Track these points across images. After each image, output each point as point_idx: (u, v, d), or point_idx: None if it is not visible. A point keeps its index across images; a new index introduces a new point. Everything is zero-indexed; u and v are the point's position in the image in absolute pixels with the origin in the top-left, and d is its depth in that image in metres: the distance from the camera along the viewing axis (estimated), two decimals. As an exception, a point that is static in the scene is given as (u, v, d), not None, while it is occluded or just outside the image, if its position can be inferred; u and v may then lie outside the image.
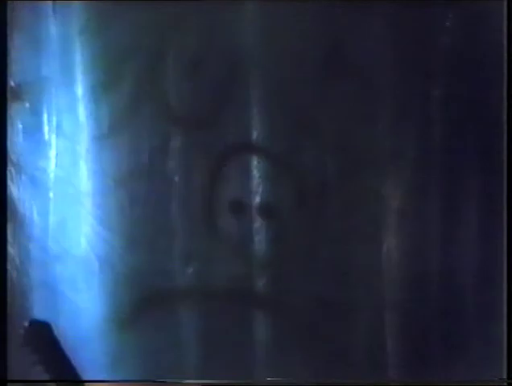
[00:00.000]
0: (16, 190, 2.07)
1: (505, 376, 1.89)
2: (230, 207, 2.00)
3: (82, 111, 2.02)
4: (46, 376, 1.71)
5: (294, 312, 1.99)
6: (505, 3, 1.92)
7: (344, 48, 1.96)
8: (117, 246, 2.02)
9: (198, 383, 1.95)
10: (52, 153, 2.05)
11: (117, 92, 2.00)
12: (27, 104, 2.05)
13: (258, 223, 1.99)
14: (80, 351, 1.87)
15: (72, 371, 1.74)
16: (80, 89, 2.02)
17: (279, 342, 2.00)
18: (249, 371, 1.99)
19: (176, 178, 2.00)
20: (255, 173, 1.99)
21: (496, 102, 1.93)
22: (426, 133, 1.98)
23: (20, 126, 2.05)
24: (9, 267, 2.06)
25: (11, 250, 2.06)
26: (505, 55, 1.91)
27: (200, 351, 2.02)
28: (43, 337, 1.73)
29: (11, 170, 2.06)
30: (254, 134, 1.98)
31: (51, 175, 2.06)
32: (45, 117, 2.05)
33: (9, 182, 2.06)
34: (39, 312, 2.02)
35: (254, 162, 1.99)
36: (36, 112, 2.05)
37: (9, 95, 2.03)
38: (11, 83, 2.04)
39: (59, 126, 2.04)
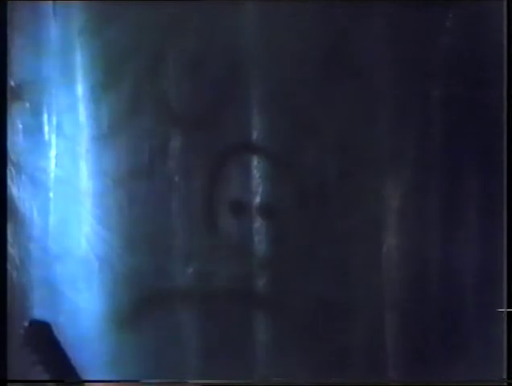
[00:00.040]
0: (16, 190, 2.07)
1: (505, 376, 1.89)
2: (230, 207, 2.00)
3: (82, 111, 2.02)
4: (46, 376, 1.71)
5: (294, 312, 1.99)
6: (505, 3, 1.92)
7: (344, 48, 1.96)
8: (117, 246, 2.02)
9: (198, 383, 1.95)
10: (52, 153, 2.05)
11: (117, 92, 2.00)
12: (27, 104, 2.05)
13: (257, 223, 1.99)
14: (80, 351, 1.87)
15: (72, 371, 1.74)
16: (80, 89, 2.02)
17: (279, 342, 2.00)
18: (249, 371, 1.99)
19: (176, 178, 2.00)
20: (255, 173, 1.99)
21: (496, 102, 1.93)
22: (426, 133, 1.98)
23: (20, 126, 2.05)
24: (9, 267, 2.06)
25: (11, 250, 2.06)
26: (505, 55, 1.91)
27: (200, 350, 2.02)
28: (43, 337, 1.73)
29: (11, 170, 2.06)
30: (254, 134, 1.98)
31: (51, 175, 2.06)
32: (45, 117, 2.05)
33: (9, 182, 2.06)
34: (39, 312, 2.02)
35: (254, 162, 1.99)
36: (36, 112, 2.05)
37: (9, 95, 2.03)
38: (11, 83, 2.04)
39: (59, 126, 2.04)
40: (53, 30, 2.02)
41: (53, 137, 2.05)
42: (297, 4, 1.94)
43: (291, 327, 2.00)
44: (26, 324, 1.74)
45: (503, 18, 1.92)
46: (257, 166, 1.99)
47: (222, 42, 1.97)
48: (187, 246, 2.01)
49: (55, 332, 1.75)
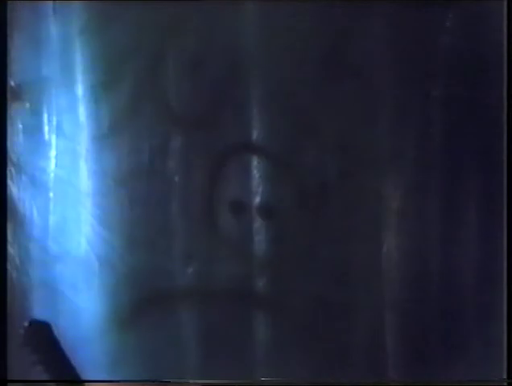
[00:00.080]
0: (16, 190, 2.07)
1: (505, 376, 1.89)
2: (230, 208, 2.00)
3: (82, 111, 2.02)
4: (46, 376, 1.71)
5: (294, 312, 1.99)
6: (505, 3, 1.92)
7: (344, 48, 1.96)
8: (117, 246, 2.02)
9: (198, 383, 1.95)
10: (52, 153, 2.05)
11: (117, 92, 2.00)
12: (27, 104, 2.05)
13: (258, 223, 1.99)
14: (80, 351, 1.87)
15: (72, 371, 1.74)
16: (80, 89, 2.02)
17: (279, 342, 2.00)
18: (249, 371, 1.99)
19: (176, 178, 2.00)
20: (255, 173, 1.99)
21: (496, 102, 1.93)
22: (426, 133, 1.98)
23: (20, 126, 2.05)
24: (9, 267, 2.06)
25: (11, 250, 2.06)
26: (505, 55, 1.91)
27: (200, 351, 2.02)
28: (43, 337, 1.73)
29: (11, 170, 2.06)
30: (254, 134, 1.98)
31: (51, 175, 2.06)
32: (45, 117, 2.05)
33: (9, 182, 2.06)
34: (38, 312, 2.02)
35: (254, 162, 1.99)
36: (36, 112, 2.05)
37: (9, 95, 2.03)
38: (11, 83, 2.04)
39: (59, 126, 2.04)
40: (53, 30, 2.02)
41: (53, 137, 2.05)
42: (297, 4, 1.94)
43: (291, 327, 2.00)
44: (26, 324, 1.74)
45: (503, 18, 1.92)
46: (257, 166, 1.99)
47: (222, 42, 1.97)
48: (187, 246, 2.01)
49: (56, 332, 1.75)
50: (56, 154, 2.05)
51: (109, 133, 2.01)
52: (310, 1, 1.94)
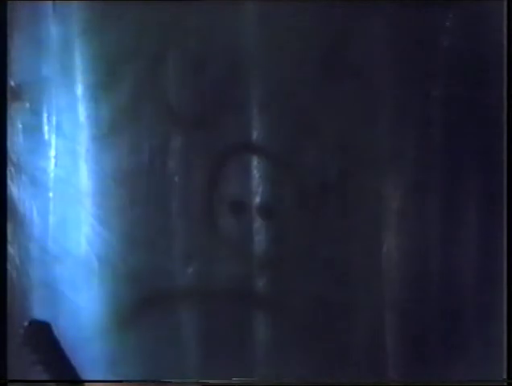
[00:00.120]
0: (16, 190, 2.06)
1: (505, 376, 1.89)
2: (230, 208, 2.00)
3: (82, 111, 2.02)
4: (46, 376, 1.71)
5: (294, 312, 1.99)
6: (505, 3, 1.92)
7: (344, 48, 1.96)
8: (117, 246, 2.02)
9: (198, 383, 1.95)
10: (52, 153, 2.05)
11: (117, 91, 2.00)
12: (27, 104, 2.05)
13: (258, 223, 1.99)
14: (79, 351, 1.87)
15: (71, 371, 1.74)
16: (80, 89, 2.02)
17: (279, 342, 2.00)
18: (249, 371, 1.99)
19: (176, 178, 2.00)
20: (255, 173, 1.99)
21: (496, 102, 1.93)
22: (426, 133, 1.98)
23: (20, 126, 2.05)
24: (9, 267, 2.06)
25: (11, 250, 2.06)
26: (505, 55, 1.91)
27: (200, 350, 2.02)
28: (43, 337, 1.73)
29: (11, 170, 2.06)
30: (254, 134, 1.98)
31: (51, 175, 2.06)
32: (45, 117, 2.05)
33: (9, 182, 2.06)
34: (38, 312, 2.02)
35: (254, 162, 1.99)
36: (36, 112, 2.05)
37: (9, 95, 2.03)
38: (11, 83, 2.04)
39: (59, 126, 2.04)
40: (53, 30, 2.02)
41: (53, 137, 2.05)
42: (297, 4, 1.94)
43: (291, 327, 2.00)
44: (26, 324, 1.74)
45: (503, 18, 1.92)
46: (257, 166, 1.99)
47: (222, 42, 1.97)
48: (187, 246, 2.01)
49: (55, 332, 1.75)
50: (56, 154, 2.05)
51: (109, 133, 2.01)
52: (310, 1, 1.94)
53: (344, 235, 1.98)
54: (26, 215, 2.07)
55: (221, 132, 1.99)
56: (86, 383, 1.79)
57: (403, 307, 1.98)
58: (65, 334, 1.80)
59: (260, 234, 1.99)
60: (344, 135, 1.97)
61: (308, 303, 1.99)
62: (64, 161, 2.05)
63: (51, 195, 2.06)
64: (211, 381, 1.92)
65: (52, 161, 2.05)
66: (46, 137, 2.05)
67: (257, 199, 1.99)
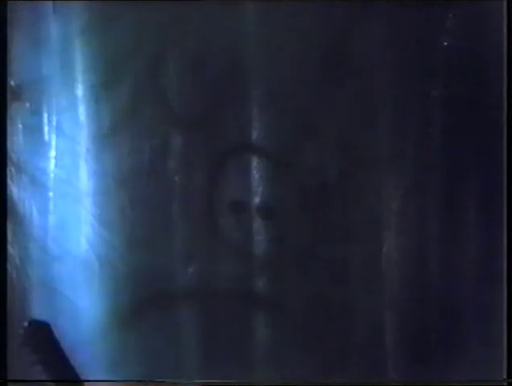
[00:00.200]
0: (16, 190, 2.07)
1: (505, 376, 1.89)
2: (230, 208, 2.00)
3: (82, 111, 2.02)
4: (46, 376, 1.71)
5: (294, 312, 1.99)
6: (505, 3, 1.92)
7: (344, 48, 1.96)
8: (118, 246, 2.02)
9: (198, 383, 1.95)
10: (52, 153, 2.05)
11: (117, 91, 2.00)
12: (27, 104, 2.05)
13: (257, 223, 1.99)
14: (79, 351, 1.87)
15: (71, 371, 1.75)
16: (80, 89, 2.02)
17: (279, 342, 2.00)
18: (249, 371, 1.99)
19: (176, 178, 2.00)
20: (255, 173, 1.99)
21: (496, 102, 1.93)
22: (426, 133, 1.98)
23: (20, 126, 2.05)
24: (9, 267, 2.06)
25: (11, 250, 2.06)
26: (505, 55, 1.91)
27: (200, 351, 2.02)
28: (43, 337, 1.73)
29: (11, 170, 2.06)
30: (254, 134, 1.98)
31: (51, 175, 2.06)
32: (45, 116, 2.05)
33: (9, 182, 2.06)
34: (38, 312, 2.02)
35: (254, 162, 1.99)
36: (36, 112, 2.05)
37: (9, 95, 2.03)
38: (11, 83, 2.04)
39: (59, 126, 2.04)
40: (53, 29, 2.02)
41: (53, 137, 2.05)
42: (297, 4, 1.94)
43: (291, 327, 2.00)
44: (26, 324, 1.74)
45: (503, 18, 1.92)
46: (257, 166, 1.99)
47: (222, 42, 1.97)
48: (187, 246, 2.01)
49: (55, 332, 1.75)
50: (56, 154, 2.05)
51: (109, 133, 2.01)
52: (310, 1, 1.94)
53: (344, 235, 1.98)
54: (26, 215, 2.07)
55: (221, 132, 1.99)
56: (86, 383, 1.79)
57: (403, 307, 1.98)
58: (65, 334, 1.80)
59: (260, 234, 1.99)
60: (344, 135, 1.97)
61: (308, 303, 1.99)
62: (64, 161, 2.05)
63: (51, 194, 2.06)
64: (211, 381, 1.92)
65: (52, 161, 2.05)
66: (46, 137, 2.05)
67: (257, 199, 1.99)
